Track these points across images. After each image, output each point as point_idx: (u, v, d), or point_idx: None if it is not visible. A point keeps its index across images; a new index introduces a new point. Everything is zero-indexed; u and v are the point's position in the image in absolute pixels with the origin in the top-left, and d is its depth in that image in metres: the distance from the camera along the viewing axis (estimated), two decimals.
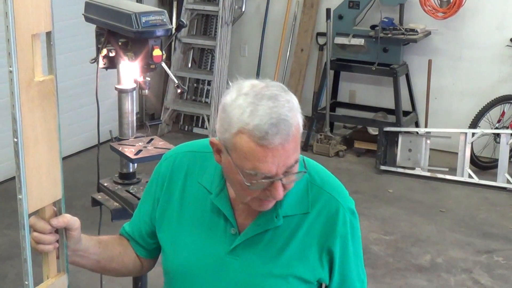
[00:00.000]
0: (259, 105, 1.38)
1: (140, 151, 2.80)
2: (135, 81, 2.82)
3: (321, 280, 1.61)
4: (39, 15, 1.35)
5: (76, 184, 4.93)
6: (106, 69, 2.83)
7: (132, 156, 2.76)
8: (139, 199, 2.69)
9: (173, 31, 2.94)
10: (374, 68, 5.89)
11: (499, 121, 5.76)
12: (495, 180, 5.36)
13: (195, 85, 6.80)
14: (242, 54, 6.88)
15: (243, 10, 6.67)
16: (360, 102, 6.47)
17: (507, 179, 5.34)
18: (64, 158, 1.49)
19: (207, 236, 1.58)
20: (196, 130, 6.69)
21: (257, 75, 6.43)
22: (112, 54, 2.76)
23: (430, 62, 6.02)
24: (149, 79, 2.82)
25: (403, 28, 5.83)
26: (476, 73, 5.99)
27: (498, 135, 5.59)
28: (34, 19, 1.34)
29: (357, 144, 6.11)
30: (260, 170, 1.39)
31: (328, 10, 6.01)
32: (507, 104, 5.75)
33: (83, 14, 2.90)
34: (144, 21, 2.63)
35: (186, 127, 6.74)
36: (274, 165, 1.39)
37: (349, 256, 1.60)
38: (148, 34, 2.65)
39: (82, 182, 4.92)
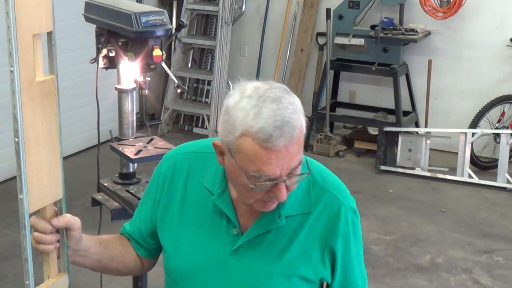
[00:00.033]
0: (262, 107, 1.37)
1: (140, 151, 2.80)
2: (135, 81, 2.82)
3: (323, 279, 1.61)
4: (40, 15, 1.35)
5: (76, 184, 4.93)
6: (106, 69, 2.83)
7: (132, 156, 2.76)
8: (139, 199, 2.70)
9: (173, 31, 2.94)
10: (374, 68, 5.89)
11: (499, 121, 5.76)
12: (495, 180, 5.36)
13: (195, 85, 6.80)
14: (242, 54, 6.87)
15: (243, 10, 6.67)
16: (360, 102, 6.47)
17: (507, 179, 5.33)
18: (64, 158, 1.49)
19: (209, 237, 1.58)
20: (196, 130, 6.68)
21: (257, 75, 6.43)
22: (112, 54, 2.76)
23: (430, 62, 6.02)
24: (149, 79, 2.82)
25: (403, 28, 5.83)
26: (476, 73, 5.99)
27: (498, 135, 5.59)
28: (35, 19, 1.34)
29: (357, 144, 6.11)
30: (264, 172, 1.39)
31: (328, 10, 6.00)
32: (507, 104, 5.74)
33: (83, 14, 2.90)
34: (144, 21, 2.63)
35: (186, 127, 6.74)
36: (278, 167, 1.39)
37: (351, 255, 1.60)
38: (148, 34, 2.65)
39: (82, 182, 4.92)
